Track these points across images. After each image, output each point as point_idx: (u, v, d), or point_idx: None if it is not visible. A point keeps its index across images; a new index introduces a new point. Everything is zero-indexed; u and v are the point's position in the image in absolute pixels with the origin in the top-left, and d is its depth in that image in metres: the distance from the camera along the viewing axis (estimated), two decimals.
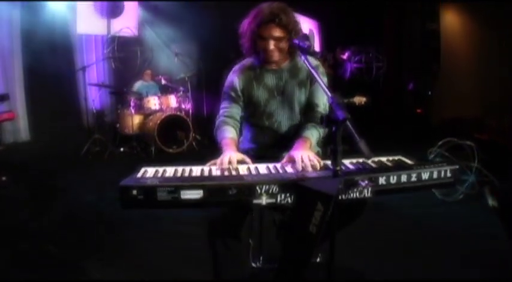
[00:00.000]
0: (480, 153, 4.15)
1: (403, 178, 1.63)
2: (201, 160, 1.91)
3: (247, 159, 1.92)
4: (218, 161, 1.87)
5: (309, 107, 2.24)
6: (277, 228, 1.75)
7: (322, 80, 1.70)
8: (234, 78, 2.25)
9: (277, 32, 2.05)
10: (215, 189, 1.50)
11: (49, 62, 6.24)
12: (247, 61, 2.29)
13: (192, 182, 1.52)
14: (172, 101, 6.94)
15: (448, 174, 1.71)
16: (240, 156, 1.93)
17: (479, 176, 4.01)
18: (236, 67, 2.31)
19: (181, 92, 7.05)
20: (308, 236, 1.37)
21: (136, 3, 7.77)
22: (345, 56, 8.35)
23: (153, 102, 6.78)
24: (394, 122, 8.21)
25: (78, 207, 3.89)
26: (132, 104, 6.65)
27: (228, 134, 2.14)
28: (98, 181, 4.64)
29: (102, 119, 7.39)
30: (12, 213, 3.70)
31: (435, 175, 1.68)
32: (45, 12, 6.49)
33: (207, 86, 7.80)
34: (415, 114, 8.24)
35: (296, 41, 1.93)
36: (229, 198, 1.50)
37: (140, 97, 6.79)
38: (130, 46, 7.22)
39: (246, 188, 1.51)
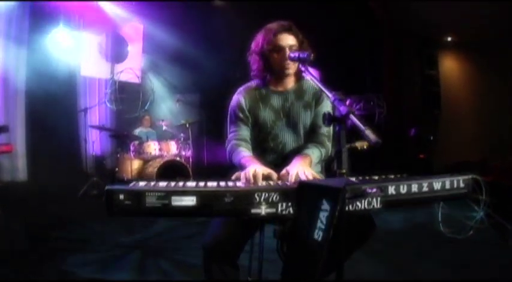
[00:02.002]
0: (487, 195, 4.03)
1: (414, 188, 1.51)
2: None
3: (274, 175, 1.82)
4: (242, 174, 1.77)
5: (312, 128, 2.19)
6: (277, 242, 1.59)
7: (322, 84, 1.63)
8: (240, 98, 2.20)
9: (292, 41, 2.06)
10: (210, 196, 1.37)
11: (52, 102, 6.26)
12: (252, 83, 2.27)
13: (184, 188, 1.40)
14: (172, 147, 6.85)
15: (461, 185, 1.58)
16: (267, 170, 1.83)
17: (488, 214, 3.86)
18: (241, 88, 2.27)
19: (182, 139, 6.99)
20: (313, 245, 1.22)
21: (140, 50, 7.98)
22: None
23: (153, 147, 6.69)
24: (396, 167, 8.08)
25: (71, 247, 3.71)
26: (132, 148, 6.58)
27: (246, 153, 2.07)
28: (92, 224, 4.48)
29: (101, 162, 7.30)
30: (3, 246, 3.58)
31: (448, 185, 1.56)
32: (51, 52, 6.62)
33: (208, 134, 7.78)
34: (417, 160, 8.14)
35: (295, 54, 1.90)
36: (225, 206, 1.37)
37: (140, 141, 6.74)
38: (132, 87, 7.29)
39: (244, 195, 1.38)
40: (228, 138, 2.21)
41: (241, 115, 2.19)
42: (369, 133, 1.21)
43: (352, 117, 1.26)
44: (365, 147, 6.13)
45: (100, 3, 7.09)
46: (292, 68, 2.11)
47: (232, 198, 1.37)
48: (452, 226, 3.83)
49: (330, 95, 1.46)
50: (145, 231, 4.16)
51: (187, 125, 7.12)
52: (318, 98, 2.19)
